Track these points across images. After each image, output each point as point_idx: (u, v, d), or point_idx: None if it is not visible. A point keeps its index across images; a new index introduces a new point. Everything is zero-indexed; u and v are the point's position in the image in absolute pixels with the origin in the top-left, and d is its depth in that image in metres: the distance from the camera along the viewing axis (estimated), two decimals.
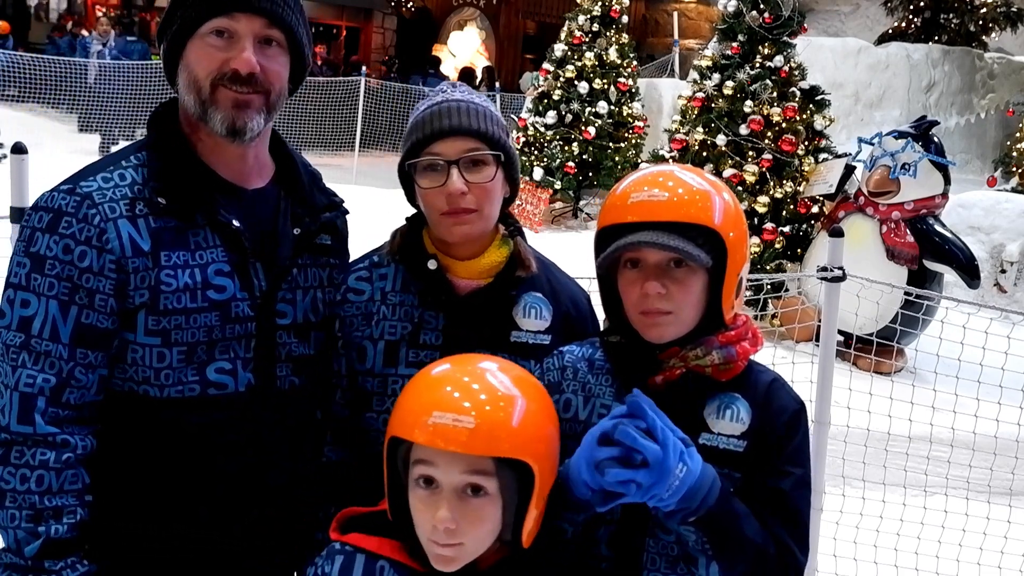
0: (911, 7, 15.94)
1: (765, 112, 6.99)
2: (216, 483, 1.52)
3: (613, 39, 10.37)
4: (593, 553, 1.47)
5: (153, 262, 1.46)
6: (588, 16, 10.34)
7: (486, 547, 1.30)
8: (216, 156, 1.56)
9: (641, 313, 1.44)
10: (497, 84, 15.19)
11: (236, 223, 1.52)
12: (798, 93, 7.11)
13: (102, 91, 11.93)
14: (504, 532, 1.31)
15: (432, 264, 1.61)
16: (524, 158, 9.97)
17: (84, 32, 13.99)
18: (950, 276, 6.29)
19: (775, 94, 7.03)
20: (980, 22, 15.46)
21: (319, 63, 15.94)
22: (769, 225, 6.79)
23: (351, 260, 1.74)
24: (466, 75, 16.23)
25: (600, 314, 1.75)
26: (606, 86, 10.16)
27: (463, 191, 1.54)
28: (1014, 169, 11.65)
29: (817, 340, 3.46)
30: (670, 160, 7.26)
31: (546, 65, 10.53)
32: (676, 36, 15.77)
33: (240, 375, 1.53)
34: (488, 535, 1.29)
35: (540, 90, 10.44)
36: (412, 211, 1.72)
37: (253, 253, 1.54)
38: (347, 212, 1.75)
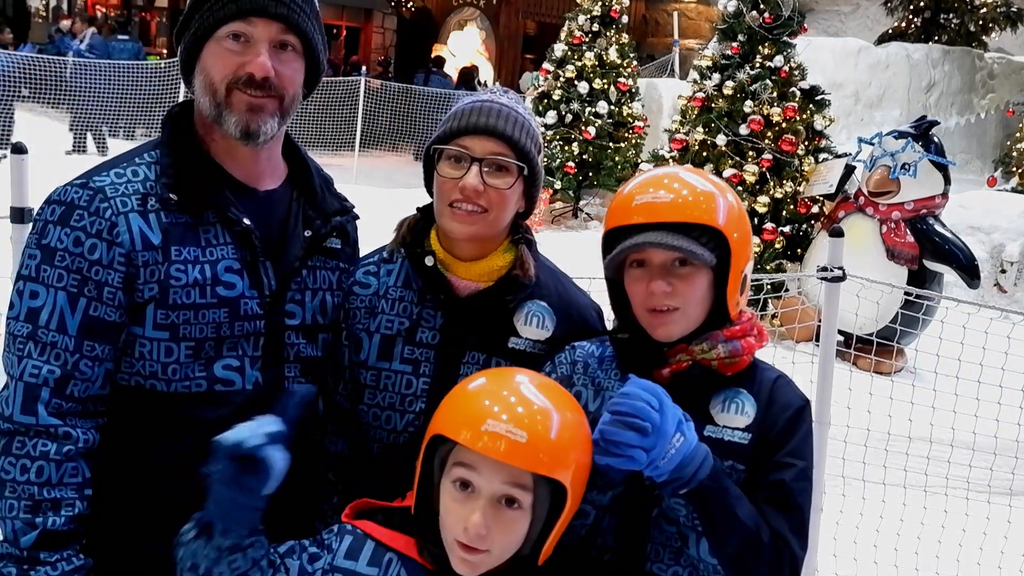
0: (911, 7, 15.95)
1: (765, 112, 6.99)
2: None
3: (613, 39, 10.37)
4: (598, 544, 1.49)
5: (163, 256, 1.48)
6: (588, 16, 10.34)
7: (507, 558, 1.31)
8: (229, 157, 1.58)
9: (648, 311, 1.46)
10: (490, 84, 15.14)
11: (247, 221, 1.53)
12: (798, 93, 7.11)
13: (81, 89, 11.87)
14: (524, 547, 1.31)
15: (429, 261, 1.62)
16: None
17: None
18: (950, 276, 6.29)
19: (775, 94, 7.03)
20: (980, 22, 15.47)
21: None
22: (769, 225, 6.80)
23: (364, 255, 1.75)
24: (466, 75, 16.17)
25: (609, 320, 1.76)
26: (606, 86, 10.16)
27: (478, 189, 1.55)
28: (1014, 169, 11.67)
29: (817, 340, 3.46)
30: (670, 160, 7.27)
31: (546, 65, 10.53)
32: (676, 36, 15.76)
33: (248, 373, 1.55)
34: (513, 547, 1.30)
35: (540, 90, 10.44)
36: (413, 211, 1.72)
37: (263, 252, 1.56)
38: (357, 217, 1.77)
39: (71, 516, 1.42)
